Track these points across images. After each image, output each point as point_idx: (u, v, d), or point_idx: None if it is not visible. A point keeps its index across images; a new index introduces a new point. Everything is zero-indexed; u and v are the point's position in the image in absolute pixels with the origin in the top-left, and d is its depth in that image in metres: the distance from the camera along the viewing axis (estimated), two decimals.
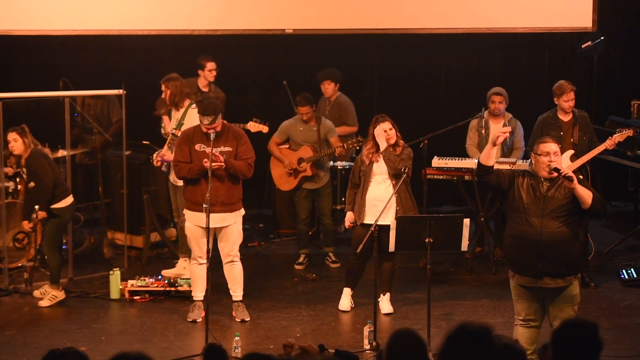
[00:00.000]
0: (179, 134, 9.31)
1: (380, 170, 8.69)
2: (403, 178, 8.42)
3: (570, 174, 6.83)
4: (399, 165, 8.58)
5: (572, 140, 9.44)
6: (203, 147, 8.42)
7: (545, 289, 6.98)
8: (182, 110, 9.47)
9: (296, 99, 10.13)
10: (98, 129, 10.53)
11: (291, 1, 11.73)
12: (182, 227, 9.64)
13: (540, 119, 9.61)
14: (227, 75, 12.07)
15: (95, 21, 11.52)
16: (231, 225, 8.56)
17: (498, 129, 9.87)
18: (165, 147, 9.54)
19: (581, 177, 6.94)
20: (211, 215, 8.23)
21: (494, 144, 7.03)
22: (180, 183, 9.15)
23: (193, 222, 8.51)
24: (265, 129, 10.35)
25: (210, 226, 8.32)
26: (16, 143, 9.05)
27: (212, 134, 8.31)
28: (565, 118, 9.49)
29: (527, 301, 7.08)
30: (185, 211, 8.63)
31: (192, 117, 9.40)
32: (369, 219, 8.59)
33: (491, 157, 7.05)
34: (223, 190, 8.43)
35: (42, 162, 9.11)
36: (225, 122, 8.56)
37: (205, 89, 10.78)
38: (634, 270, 9.62)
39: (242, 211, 8.68)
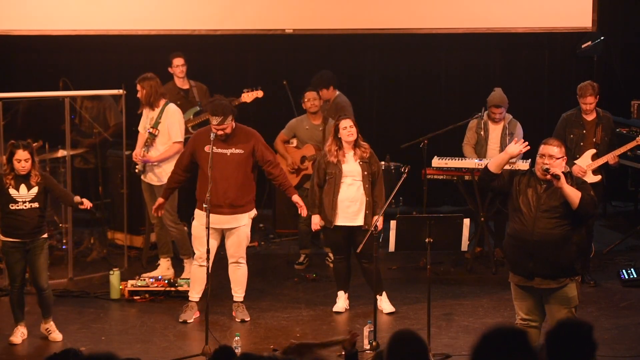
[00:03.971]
0: (156, 133, 9.36)
1: (350, 171, 8.68)
2: (403, 178, 8.41)
3: (558, 172, 6.82)
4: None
5: (594, 139, 9.46)
6: (215, 149, 8.41)
7: (540, 289, 6.99)
8: (157, 110, 9.47)
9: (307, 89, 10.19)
10: (98, 128, 10.53)
11: (291, 1, 11.73)
12: (174, 227, 9.61)
13: (564, 116, 9.63)
14: (228, 75, 12.08)
15: (95, 21, 11.52)
16: (240, 227, 8.56)
17: (497, 131, 9.93)
18: (142, 146, 9.52)
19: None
20: (220, 216, 8.28)
21: (511, 156, 7.05)
22: (159, 182, 9.36)
23: (203, 222, 8.46)
24: (259, 93, 10.35)
25: (220, 227, 8.41)
26: (27, 163, 8.09)
27: (212, 134, 8.31)
28: (589, 117, 9.52)
29: (524, 300, 7.10)
30: (196, 211, 8.62)
31: (170, 116, 9.42)
32: (341, 221, 8.65)
33: (501, 166, 7.05)
34: (232, 191, 8.42)
35: (51, 180, 8.54)
36: (234, 123, 8.54)
37: (185, 86, 10.74)
38: (634, 270, 9.62)
39: (254, 212, 8.67)
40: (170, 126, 9.41)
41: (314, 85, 10.60)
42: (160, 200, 8.82)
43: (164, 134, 9.43)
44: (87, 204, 8.40)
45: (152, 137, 9.45)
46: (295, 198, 8.66)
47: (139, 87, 9.50)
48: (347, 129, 8.65)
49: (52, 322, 8.35)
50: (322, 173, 8.72)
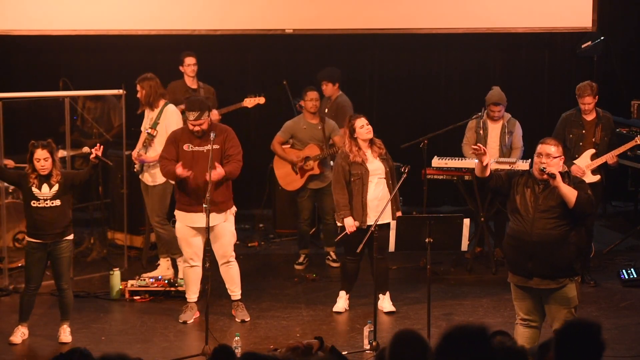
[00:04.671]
0: (154, 133, 9.37)
1: (375, 170, 8.67)
2: (403, 178, 8.41)
3: (554, 171, 6.82)
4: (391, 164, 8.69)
5: (593, 139, 9.46)
6: (191, 147, 8.42)
7: (539, 290, 6.98)
8: (157, 110, 9.48)
9: (305, 89, 10.15)
10: (98, 129, 10.53)
11: (291, 1, 11.74)
12: (161, 228, 9.60)
13: (564, 116, 9.63)
14: (227, 75, 12.08)
15: (95, 21, 11.53)
16: (221, 224, 8.52)
17: (497, 130, 9.94)
18: (140, 146, 9.52)
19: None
20: (200, 215, 8.21)
21: (482, 162, 7.01)
22: (151, 183, 9.37)
23: (184, 222, 8.48)
24: (261, 100, 10.39)
25: (200, 226, 8.34)
26: (47, 163, 8.08)
27: (212, 134, 8.30)
28: (589, 117, 9.51)
29: (524, 300, 7.10)
30: (176, 212, 8.61)
31: (168, 117, 9.43)
32: (372, 221, 8.54)
33: (483, 170, 7.03)
34: (212, 189, 8.40)
35: (70, 172, 8.66)
36: (211, 120, 8.54)
37: (194, 86, 10.76)
38: (634, 270, 9.62)
39: (233, 209, 8.65)
40: (169, 127, 9.40)
41: (322, 77, 10.67)
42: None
43: (162, 135, 9.42)
44: (95, 151, 8.22)
45: (150, 138, 9.45)
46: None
47: (138, 88, 9.51)
48: (365, 126, 8.64)
49: (65, 326, 8.31)
50: (347, 174, 8.66)
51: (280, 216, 11.30)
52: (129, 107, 10.01)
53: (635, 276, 9.54)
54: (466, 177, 10.00)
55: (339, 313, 8.89)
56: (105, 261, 10.26)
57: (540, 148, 6.96)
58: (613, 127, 9.66)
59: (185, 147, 8.43)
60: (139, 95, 9.52)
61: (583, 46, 11.85)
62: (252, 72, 12.30)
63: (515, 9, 11.70)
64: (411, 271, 10.02)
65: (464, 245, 7.96)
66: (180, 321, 8.68)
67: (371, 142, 8.70)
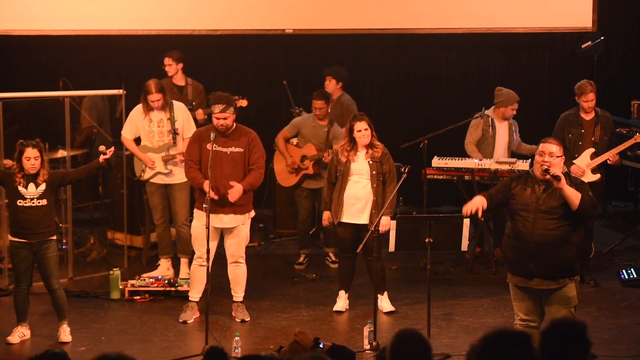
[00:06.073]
0: (179, 132, 9.45)
1: (357, 170, 8.69)
2: (403, 178, 8.41)
3: (558, 173, 6.82)
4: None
5: (593, 138, 9.47)
6: (215, 147, 8.41)
7: (539, 290, 6.98)
8: (168, 110, 9.49)
9: (313, 94, 10.13)
10: (97, 127, 10.54)
11: (291, 1, 11.74)
12: (164, 228, 9.59)
13: (563, 116, 9.64)
14: (227, 75, 12.08)
15: (95, 21, 11.53)
16: (239, 226, 8.57)
17: (505, 129, 9.93)
18: (147, 152, 9.55)
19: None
20: (221, 216, 8.32)
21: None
22: (179, 180, 9.33)
23: (204, 222, 8.47)
24: (244, 102, 10.38)
25: (220, 226, 8.44)
26: (36, 162, 8.05)
27: (212, 135, 8.31)
28: (588, 117, 9.52)
29: (524, 301, 7.09)
30: (196, 211, 8.62)
31: (182, 112, 9.55)
32: (346, 218, 8.68)
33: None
34: None
35: (58, 171, 8.70)
36: (237, 123, 8.56)
37: (181, 83, 10.76)
38: (634, 270, 9.62)
39: (252, 213, 8.70)
40: (186, 122, 9.53)
41: (328, 72, 10.67)
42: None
43: (182, 130, 9.51)
44: (109, 152, 8.29)
45: (175, 137, 9.47)
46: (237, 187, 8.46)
47: (159, 96, 9.38)
48: (362, 131, 8.67)
49: (64, 325, 8.30)
50: (334, 171, 8.78)
51: (280, 216, 11.30)
52: (129, 108, 10.00)
53: (635, 276, 9.54)
54: (466, 177, 10.00)
55: (339, 313, 8.89)
56: (105, 261, 10.26)
57: (542, 147, 6.95)
58: (612, 126, 9.67)
59: (208, 146, 8.42)
60: (159, 102, 9.35)
61: (583, 46, 11.86)
62: (252, 72, 12.30)
63: (515, 9, 11.70)
64: (411, 271, 10.01)
65: (464, 245, 7.95)
66: (181, 321, 8.69)
67: (370, 145, 8.70)
